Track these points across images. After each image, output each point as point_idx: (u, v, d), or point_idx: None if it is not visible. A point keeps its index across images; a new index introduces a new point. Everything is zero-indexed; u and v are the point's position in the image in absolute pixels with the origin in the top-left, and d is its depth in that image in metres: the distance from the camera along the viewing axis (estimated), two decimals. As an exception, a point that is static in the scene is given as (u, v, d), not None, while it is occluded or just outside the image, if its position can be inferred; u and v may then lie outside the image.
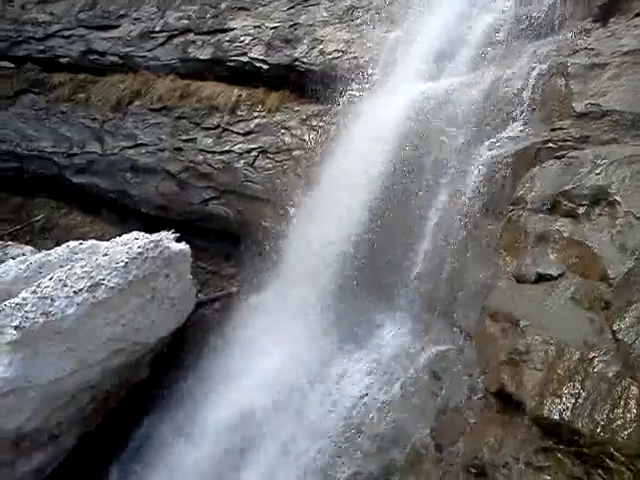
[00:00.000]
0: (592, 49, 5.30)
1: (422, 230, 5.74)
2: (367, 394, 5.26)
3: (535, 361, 3.74)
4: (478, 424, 4.12)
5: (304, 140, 7.88)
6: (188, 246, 7.48)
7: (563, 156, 4.80)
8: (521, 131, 5.32)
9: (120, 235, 7.51)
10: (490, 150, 5.33)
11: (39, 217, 9.55)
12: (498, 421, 3.89)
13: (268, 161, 8.13)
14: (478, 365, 4.45)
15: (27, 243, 8.87)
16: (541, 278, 4.30)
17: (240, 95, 8.74)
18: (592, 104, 5.00)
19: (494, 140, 5.41)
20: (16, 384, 6.11)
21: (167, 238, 7.35)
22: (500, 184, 5.12)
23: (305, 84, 8.07)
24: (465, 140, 5.62)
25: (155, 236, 7.27)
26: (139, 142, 9.26)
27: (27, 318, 6.23)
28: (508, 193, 5.01)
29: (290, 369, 6.04)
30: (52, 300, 6.38)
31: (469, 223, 5.28)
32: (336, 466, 4.99)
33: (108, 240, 7.51)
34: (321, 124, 7.83)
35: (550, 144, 5.03)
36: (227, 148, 8.50)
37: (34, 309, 6.31)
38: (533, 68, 5.58)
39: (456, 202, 5.42)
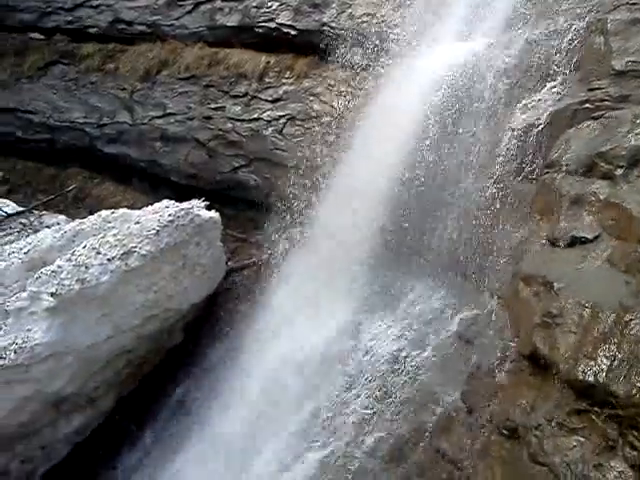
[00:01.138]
0: (634, 3, 5.07)
1: (454, 196, 5.67)
2: (398, 359, 5.27)
3: (569, 324, 3.69)
4: (510, 387, 4.10)
5: (333, 107, 7.78)
6: (218, 214, 7.53)
7: (600, 117, 4.66)
8: (557, 92, 5.17)
9: (151, 204, 7.60)
10: (524, 112, 5.20)
11: (72, 187, 9.67)
12: (530, 384, 3.87)
13: (297, 128, 8.07)
14: (510, 329, 4.43)
15: (61, 213, 9.00)
16: (576, 241, 4.22)
17: (268, 62, 8.65)
18: (633, 62, 4.81)
19: (529, 102, 5.26)
20: (54, 349, 6.28)
21: (197, 206, 7.41)
22: (534, 147, 5.00)
23: (334, 49, 7.94)
24: (499, 102, 5.49)
25: (185, 204, 7.34)
26: (168, 111, 9.27)
27: (63, 285, 6.37)
28: (543, 156, 4.90)
29: (320, 335, 6.08)
30: (86, 268, 6.51)
31: (502, 187, 5.19)
32: (366, 429, 5.03)
33: (139, 209, 7.61)
34: (350, 90, 7.71)
35: (587, 105, 4.87)
36: (255, 116, 8.45)
37: (69, 276, 6.44)
38: (570, 26, 5.40)
39: (489, 167, 5.32)
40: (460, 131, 5.69)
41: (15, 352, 6.12)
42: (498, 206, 5.18)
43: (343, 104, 7.65)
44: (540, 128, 5.03)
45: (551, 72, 5.34)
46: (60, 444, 6.79)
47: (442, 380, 4.83)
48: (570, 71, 5.27)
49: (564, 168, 4.55)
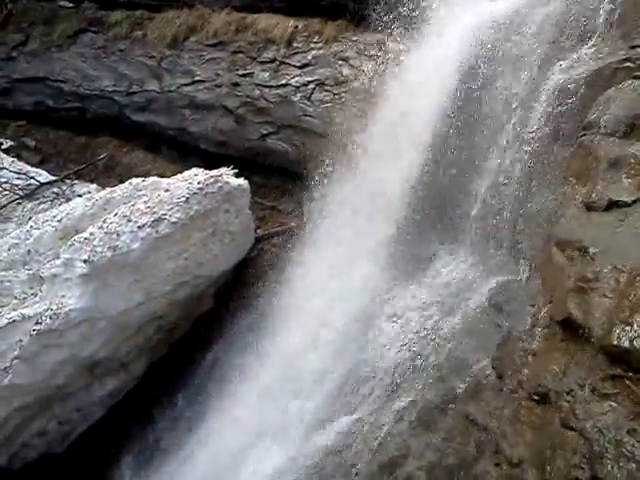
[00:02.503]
0: (679, -46, 4.82)
1: (486, 160, 5.53)
2: (427, 325, 5.23)
3: (605, 288, 3.59)
4: (541, 353, 4.04)
5: (363, 71, 7.64)
6: (247, 181, 7.52)
7: (642, 75, 4.48)
8: (596, 51, 4.96)
9: (180, 172, 7.63)
10: (561, 72, 5.01)
11: (102, 156, 9.75)
12: (563, 349, 3.79)
13: (326, 94, 7.94)
14: (543, 295, 4.34)
15: (92, 181, 9.11)
16: (613, 205, 4.08)
17: (296, 26, 8.51)
18: (677, 17, 4.61)
19: (566, 61, 5.07)
20: (88, 314, 6.42)
21: (226, 174, 7.42)
22: (571, 108, 4.82)
23: (363, 12, 7.75)
24: (535, 63, 5.30)
25: (214, 172, 7.35)
26: (196, 79, 9.22)
27: (95, 252, 6.47)
28: (580, 117, 4.72)
29: (349, 301, 6.06)
30: (118, 235, 6.59)
31: (536, 150, 5.04)
32: (395, 394, 5.03)
33: (169, 177, 7.64)
34: (380, 54, 7.55)
35: (628, 63, 4.67)
36: (284, 82, 8.35)
37: (101, 244, 6.53)
38: (611, -19, 5.15)
39: (523, 129, 5.16)
40: (495, 93, 5.52)
41: (50, 317, 6.27)
42: (532, 170, 5.04)
43: (373, 68, 7.51)
44: (578, 88, 4.84)
45: (591, 30, 5.13)
46: (95, 407, 6.98)
47: (471, 347, 4.77)
48: (611, 28, 5.06)
49: (602, 130, 4.39)
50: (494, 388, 4.32)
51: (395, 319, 5.55)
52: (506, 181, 5.24)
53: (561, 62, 5.12)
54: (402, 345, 5.28)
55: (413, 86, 6.37)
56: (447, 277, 5.53)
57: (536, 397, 3.81)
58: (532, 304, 4.46)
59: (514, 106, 5.34)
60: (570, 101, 4.87)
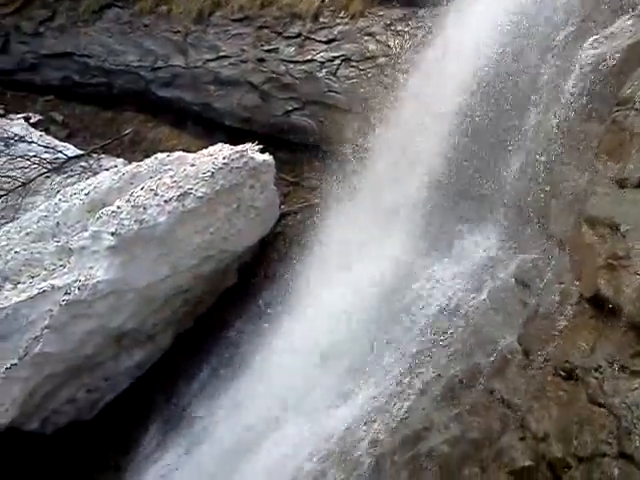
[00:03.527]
0: None
1: (516, 137, 5.45)
2: (453, 301, 5.23)
3: (636, 266, 3.56)
4: (569, 330, 4.03)
5: (389, 46, 7.57)
6: (272, 157, 7.54)
7: (679, 51, 4.38)
8: (631, 24, 4.86)
9: (205, 148, 7.67)
10: (595, 47, 4.90)
11: (128, 131, 9.83)
12: (591, 326, 3.78)
13: (351, 70, 7.89)
14: (572, 272, 4.31)
15: (118, 156, 9.20)
16: (646, 182, 4.03)
17: (322, 1, 8.43)
18: None
19: (600, 36, 4.95)
20: (115, 286, 6.54)
21: (251, 149, 7.45)
22: (605, 83, 4.73)
23: (391, -15, 7.67)
24: (568, 37, 5.20)
25: (239, 147, 7.39)
26: (221, 54, 9.19)
27: (122, 225, 6.56)
28: (613, 93, 4.64)
29: (373, 277, 6.08)
30: (144, 209, 6.68)
31: (568, 127, 4.96)
32: (419, 369, 5.06)
33: (194, 153, 7.68)
34: (407, 29, 7.47)
35: (664, 38, 4.58)
36: (309, 57, 8.30)
37: (128, 217, 6.63)
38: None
39: (555, 105, 5.09)
40: (525, 68, 5.43)
41: (79, 289, 6.41)
42: (562, 146, 4.98)
43: (400, 44, 7.43)
44: (611, 64, 4.74)
45: (626, 3, 5.01)
46: (122, 377, 7.14)
47: (498, 323, 4.77)
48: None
49: (637, 105, 4.31)
50: (520, 364, 4.33)
51: (420, 295, 5.56)
52: (536, 157, 5.17)
53: (594, 37, 5.02)
54: (427, 321, 5.30)
55: (441, 61, 6.31)
56: (474, 254, 5.51)
57: (563, 373, 3.81)
58: (560, 281, 4.44)
59: (545, 81, 5.26)
60: (603, 76, 4.78)
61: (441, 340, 5.06)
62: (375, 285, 5.93)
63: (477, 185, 5.72)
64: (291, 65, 8.47)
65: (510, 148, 5.42)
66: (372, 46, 7.77)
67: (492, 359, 4.57)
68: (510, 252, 5.32)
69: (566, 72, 5.07)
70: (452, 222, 5.86)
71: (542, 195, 5.13)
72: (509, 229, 5.46)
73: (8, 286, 6.59)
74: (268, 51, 8.76)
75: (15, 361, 6.23)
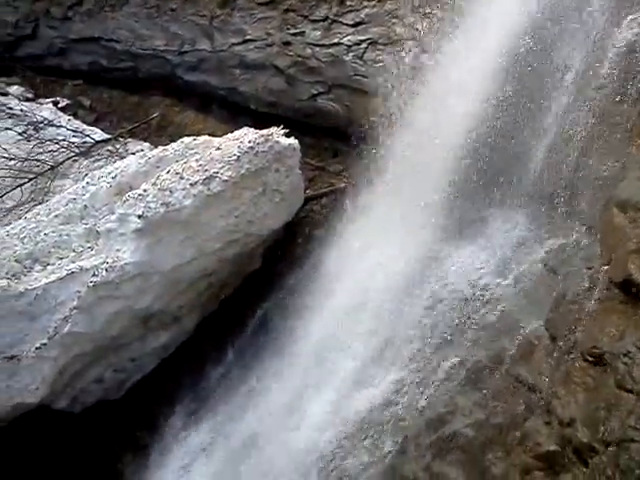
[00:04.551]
0: None
1: (546, 120, 5.37)
2: (479, 285, 5.20)
3: (668, 250, 3.50)
4: (598, 315, 3.98)
5: (417, 29, 7.47)
6: (297, 141, 7.52)
7: None
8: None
9: (231, 132, 7.67)
10: (630, 28, 4.79)
11: (155, 115, 9.89)
12: (620, 311, 3.73)
13: (378, 53, 7.81)
14: (601, 257, 4.25)
15: (144, 140, 9.27)
16: (680, 166, 3.95)
17: (349, -17, 8.34)
18: None
19: (636, 17, 4.83)
20: (142, 269, 6.61)
21: (277, 133, 7.43)
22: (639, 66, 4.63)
23: (418, -33, 7.55)
24: (602, 18, 5.07)
25: (265, 131, 7.37)
26: (247, 38, 9.16)
27: (149, 208, 6.62)
28: (648, 75, 4.54)
29: (398, 262, 6.06)
30: (171, 192, 6.73)
31: (599, 110, 4.87)
32: (443, 353, 5.05)
33: (220, 137, 7.69)
34: (436, 11, 7.36)
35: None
36: (336, 40, 8.23)
37: (155, 200, 6.69)
38: None
39: (586, 87, 4.98)
40: (556, 50, 5.32)
41: (106, 270, 6.49)
42: (593, 130, 4.88)
43: (428, 26, 7.32)
44: (647, 45, 4.64)
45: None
46: (148, 358, 7.23)
47: (524, 308, 4.74)
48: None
49: (671, 88, 4.22)
50: (546, 349, 4.31)
51: (446, 280, 5.53)
52: (566, 141, 5.08)
53: (630, 18, 4.89)
54: (452, 305, 5.27)
55: (469, 43, 6.21)
56: (500, 239, 5.46)
57: (591, 358, 3.77)
58: (589, 266, 4.39)
59: (577, 64, 5.15)
60: (637, 58, 4.66)
61: (466, 325, 5.03)
62: (400, 270, 5.91)
63: (505, 168, 5.64)
64: (317, 48, 8.42)
65: (539, 130, 5.32)
66: (399, 29, 7.67)
67: (518, 344, 4.54)
68: (537, 237, 5.26)
69: (600, 54, 4.95)
70: (480, 207, 5.79)
71: (572, 179, 5.05)
72: (537, 214, 5.39)
73: (37, 267, 6.70)
74: (294, 34, 8.71)
75: (45, 341, 6.35)
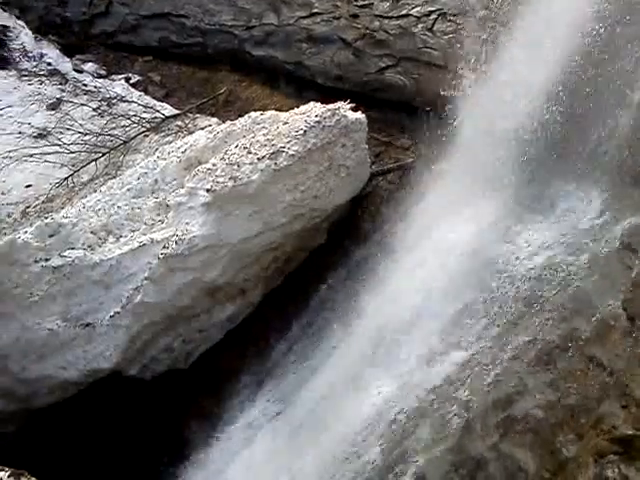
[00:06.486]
0: None
1: (624, 96, 5.09)
2: (551, 264, 5.03)
3: None
4: (682, 296, 3.78)
5: (491, -1, 7.21)
6: (364, 115, 7.44)
7: None
8: None
9: (298, 107, 7.66)
10: None
11: (223, 90, 9.95)
12: None
13: (448, 24, 7.60)
14: (685, 235, 4.03)
15: (213, 115, 9.37)
16: None
17: (419, -48, 8.12)
18: None
19: None
20: (210, 242, 6.74)
21: (344, 108, 7.37)
22: None
23: None
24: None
25: (332, 105, 7.32)
26: (314, 11, 9.08)
27: (217, 182, 6.73)
28: None
29: (467, 239, 5.93)
30: (238, 166, 6.81)
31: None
32: (512, 332, 4.93)
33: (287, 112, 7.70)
34: (508, -20, 7.07)
35: None
36: (404, 12, 8.06)
37: (223, 174, 6.79)
38: None
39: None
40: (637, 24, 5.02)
41: (176, 243, 6.66)
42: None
43: (502, -6, 7.05)
44: None
45: None
46: (215, 329, 7.39)
47: (600, 288, 4.56)
48: None
49: None
50: (624, 330, 4.14)
51: (516, 256, 5.37)
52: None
53: None
54: (522, 283, 5.12)
55: (545, 14, 5.93)
56: (576, 216, 5.26)
57: (672, 340, 3.60)
58: (672, 245, 4.16)
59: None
60: None
61: (537, 304, 4.89)
62: (469, 247, 5.78)
63: (582, 142, 5.40)
64: (385, 21, 8.26)
65: (622, 101, 5.05)
66: (471, -1, 7.43)
67: (593, 325, 4.38)
68: (615, 215, 5.03)
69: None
70: (554, 183, 5.58)
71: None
72: (615, 190, 5.16)
73: (111, 239, 6.93)
74: (362, 7, 8.58)
75: (118, 309, 6.59)
